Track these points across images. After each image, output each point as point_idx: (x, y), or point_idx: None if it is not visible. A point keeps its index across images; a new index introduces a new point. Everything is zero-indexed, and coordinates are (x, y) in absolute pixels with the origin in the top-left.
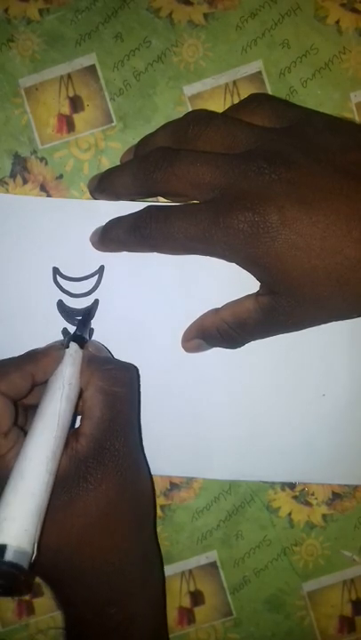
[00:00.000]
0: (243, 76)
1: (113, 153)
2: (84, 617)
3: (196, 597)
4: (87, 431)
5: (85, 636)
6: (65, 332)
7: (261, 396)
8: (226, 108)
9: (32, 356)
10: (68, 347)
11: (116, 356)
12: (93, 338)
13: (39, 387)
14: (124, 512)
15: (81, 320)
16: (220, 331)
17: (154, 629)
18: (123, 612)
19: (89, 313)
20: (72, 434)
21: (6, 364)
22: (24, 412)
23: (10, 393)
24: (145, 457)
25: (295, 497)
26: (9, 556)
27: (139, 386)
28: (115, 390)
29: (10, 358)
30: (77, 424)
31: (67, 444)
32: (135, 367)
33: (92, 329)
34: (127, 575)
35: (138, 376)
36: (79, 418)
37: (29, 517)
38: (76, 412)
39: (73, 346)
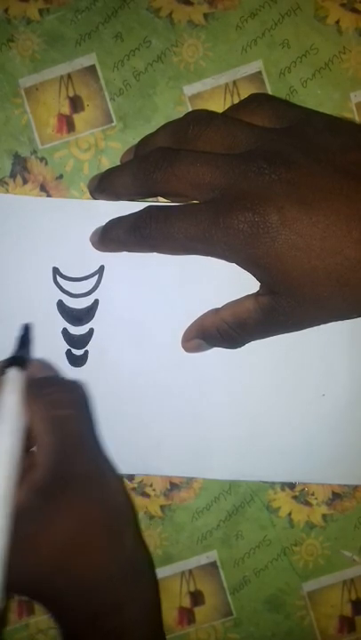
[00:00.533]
0: (243, 75)
1: (113, 153)
2: (74, 631)
3: (196, 597)
4: (40, 460)
5: None
6: (64, 332)
7: (261, 396)
8: (226, 108)
9: None
10: (4, 373)
11: (115, 357)
12: (93, 338)
13: None
14: (97, 530)
15: (20, 338)
16: (220, 331)
17: (149, 634)
18: (113, 622)
19: (27, 330)
20: (27, 464)
21: None
22: None
23: None
24: (110, 465)
25: (295, 497)
26: None
27: (86, 401)
28: (59, 414)
29: None
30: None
31: (24, 476)
32: (79, 384)
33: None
34: (112, 589)
35: (83, 392)
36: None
37: None
38: (29, 438)
39: (12, 371)
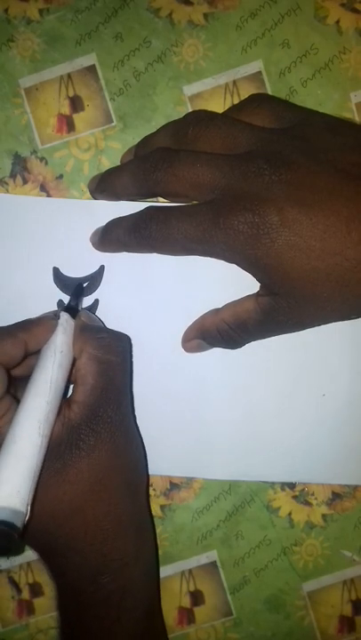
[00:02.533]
0: (243, 75)
1: (113, 153)
2: (76, 586)
3: (196, 597)
4: (80, 399)
5: (78, 606)
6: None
7: (261, 396)
8: (226, 107)
9: (25, 325)
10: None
11: None
12: None
13: (32, 357)
14: (117, 479)
15: (74, 292)
16: (220, 331)
17: (147, 600)
18: (116, 582)
19: (82, 286)
20: (65, 401)
21: None
22: (16, 384)
23: (2, 360)
24: (137, 426)
25: (295, 497)
26: (2, 516)
27: (131, 355)
28: (108, 358)
29: (2, 327)
30: (70, 393)
31: (60, 412)
32: (128, 337)
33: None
34: (120, 543)
35: (130, 345)
36: (72, 387)
37: (22, 479)
38: (69, 380)
39: (64, 315)
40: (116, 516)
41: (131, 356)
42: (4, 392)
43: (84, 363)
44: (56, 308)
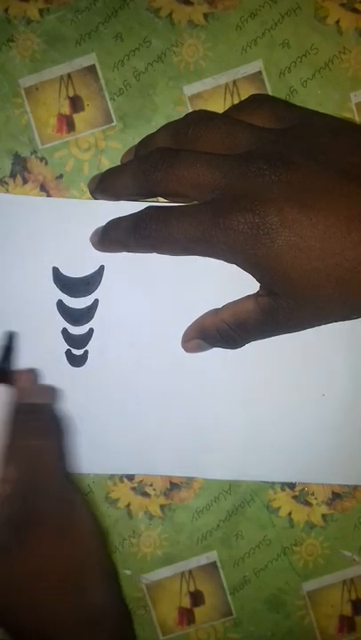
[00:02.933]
0: (243, 75)
1: (113, 153)
2: None
3: (196, 597)
4: (10, 492)
5: None
6: (64, 332)
7: (261, 396)
8: (226, 107)
9: None
10: None
11: (115, 357)
12: (93, 338)
13: None
14: (61, 574)
15: (4, 349)
16: (220, 331)
17: None
18: None
19: (12, 340)
20: None
21: None
22: None
23: None
24: (82, 499)
25: (295, 497)
26: None
27: (62, 429)
28: (31, 444)
29: None
30: None
31: None
32: (52, 408)
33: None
34: None
35: (59, 420)
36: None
37: None
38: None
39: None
40: (62, 614)
41: (62, 432)
42: None
43: (9, 451)
44: (56, 310)
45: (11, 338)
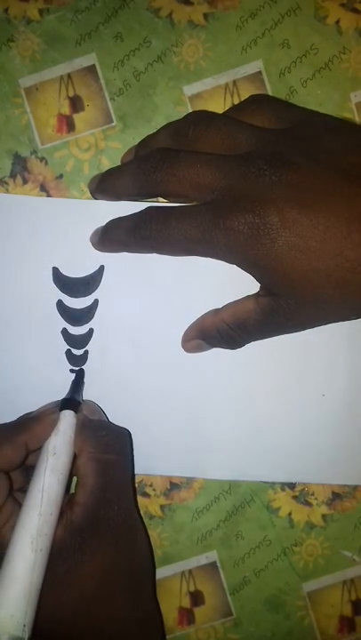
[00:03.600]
0: (243, 75)
1: (113, 153)
2: None
3: (196, 597)
4: (81, 500)
5: None
6: (64, 332)
7: (261, 396)
8: (226, 108)
9: (24, 425)
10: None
11: (115, 357)
12: (93, 338)
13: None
14: (121, 581)
15: (74, 381)
16: (220, 331)
17: None
18: None
19: (82, 374)
20: (67, 502)
21: None
22: (25, 472)
23: (2, 466)
24: (141, 518)
25: (295, 497)
26: None
27: (132, 449)
28: (107, 458)
29: (1, 426)
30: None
31: (62, 513)
32: (127, 432)
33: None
34: None
35: (131, 440)
36: (74, 484)
37: (16, 602)
38: (71, 477)
39: (64, 413)
40: (121, 619)
41: (131, 451)
42: (4, 499)
43: (84, 463)
44: (55, 310)
45: (80, 374)
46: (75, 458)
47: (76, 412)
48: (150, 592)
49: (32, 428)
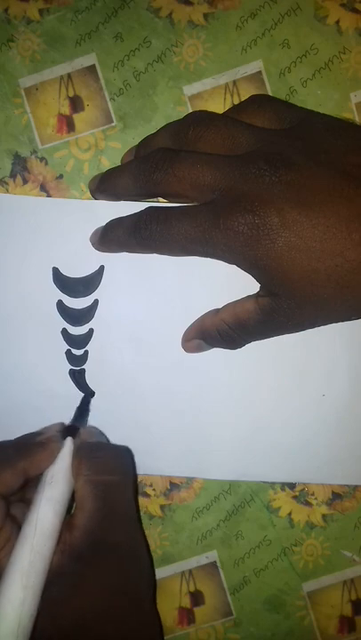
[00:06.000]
0: (243, 75)
1: (113, 153)
2: None
3: (196, 597)
4: (80, 523)
5: None
6: (64, 332)
7: (261, 396)
8: (226, 108)
9: (27, 451)
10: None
11: (115, 357)
12: (93, 338)
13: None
14: (122, 600)
15: (78, 409)
16: (220, 331)
17: None
18: None
19: (87, 402)
20: (66, 525)
21: None
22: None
23: (1, 492)
24: (144, 535)
25: (295, 497)
26: None
27: (134, 467)
28: (105, 479)
29: (2, 449)
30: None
31: (60, 537)
32: (128, 449)
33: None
34: None
35: (132, 458)
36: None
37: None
38: (72, 503)
39: (67, 441)
40: (121, 637)
41: (133, 468)
42: (1, 523)
43: (81, 486)
44: (55, 310)
45: (85, 402)
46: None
47: (74, 437)
48: (150, 604)
49: (34, 454)
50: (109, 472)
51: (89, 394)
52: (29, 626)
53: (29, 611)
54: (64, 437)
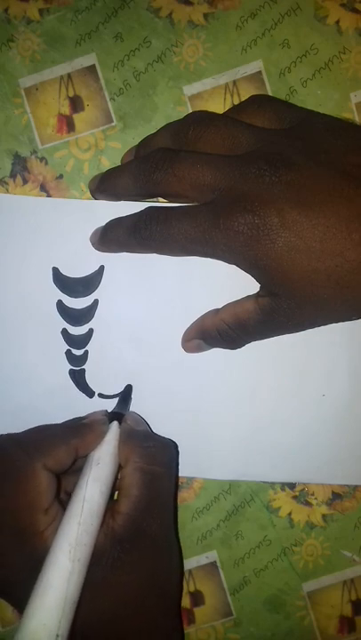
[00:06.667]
0: (243, 75)
1: (113, 153)
2: None
3: (196, 597)
4: (124, 510)
5: None
6: (64, 332)
7: (261, 396)
8: (226, 108)
9: (78, 430)
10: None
11: (115, 357)
12: (93, 338)
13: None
14: (154, 594)
15: (122, 397)
16: (220, 331)
17: None
18: None
19: (130, 389)
20: (109, 510)
21: (53, 437)
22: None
23: (54, 468)
24: (177, 534)
25: (295, 497)
26: None
27: (177, 462)
28: (153, 469)
29: (54, 428)
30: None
31: (104, 521)
32: (174, 445)
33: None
34: None
35: (177, 453)
36: (117, 493)
37: (49, 611)
38: (115, 487)
39: (113, 425)
40: (149, 631)
41: (177, 465)
42: (52, 501)
43: (129, 473)
44: (55, 310)
45: (128, 390)
46: (120, 468)
47: (120, 422)
48: (178, 606)
49: (84, 434)
50: (158, 463)
51: (131, 385)
52: (76, 596)
53: (77, 584)
54: (110, 422)
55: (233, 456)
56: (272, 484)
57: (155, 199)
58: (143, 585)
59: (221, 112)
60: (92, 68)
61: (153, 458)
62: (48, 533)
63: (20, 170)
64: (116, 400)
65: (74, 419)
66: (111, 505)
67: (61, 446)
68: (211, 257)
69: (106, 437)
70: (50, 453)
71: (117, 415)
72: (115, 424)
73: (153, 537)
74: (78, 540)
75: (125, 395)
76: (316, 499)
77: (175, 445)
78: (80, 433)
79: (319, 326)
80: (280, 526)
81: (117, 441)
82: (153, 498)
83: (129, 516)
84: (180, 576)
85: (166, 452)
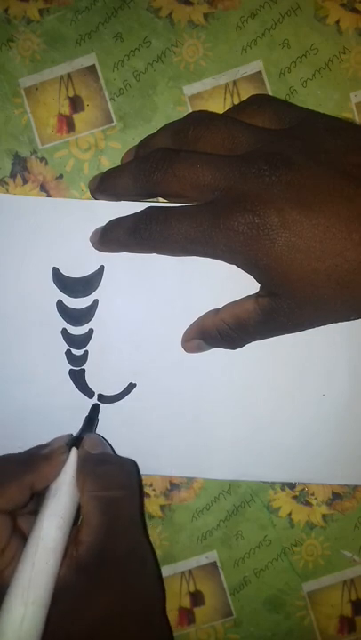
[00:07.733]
0: (243, 75)
1: (113, 153)
2: None
3: (196, 598)
4: (85, 538)
5: None
6: (64, 332)
7: (261, 396)
8: (226, 107)
9: (33, 464)
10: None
11: (115, 357)
12: (93, 338)
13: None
14: (129, 617)
15: (86, 419)
16: (220, 331)
17: None
18: None
19: (96, 411)
20: (72, 540)
21: (3, 476)
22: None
23: (6, 507)
24: (152, 549)
25: (295, 497)
26: None
27: (140, 480)
28: (110, 495)
29: (6, 465)
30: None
31: (66, 552)
32: (132, 461)
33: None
34: None
35: (137, 471)
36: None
37: None
38: (78, 516)
39: (72, 452)
40: None
41: (139, 481)
42: (7, 541)
43: (86, 501)
44: (55, 310)
45: (94, 412)
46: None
47: (78, 448)
48: (160, 611)
49: (40, 468)
50: (114, 487)
51: (98, 404)
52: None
53: (31, 627)
54: (70, 449)
55: (233, 456)
56: (272, 484)
57: (155, 199)
58: (116, 607)
59: (221, 112)
60: (92, 68)
61: (108, 482)
62: (7, 574)
63: (20, 170)
64: (115, 399)
65: (35, 447)
66: (73, 534)
67: (13, 484)
68: (211, 257)
69: (65, 467)
70: (0, 494)
71: (78, 440)
72: (73, 451)
73: (118, 560)
74: (32, 581)
75: (91, 416)
76: (316, 499)
77: (134, 463)
78: (35, 467)
79: (319, 326)
80: (280, 526)
81: (74, 469)
82: (113, 522)
83: (91, 544)
84: (157, 587)
85: (123, 472)
